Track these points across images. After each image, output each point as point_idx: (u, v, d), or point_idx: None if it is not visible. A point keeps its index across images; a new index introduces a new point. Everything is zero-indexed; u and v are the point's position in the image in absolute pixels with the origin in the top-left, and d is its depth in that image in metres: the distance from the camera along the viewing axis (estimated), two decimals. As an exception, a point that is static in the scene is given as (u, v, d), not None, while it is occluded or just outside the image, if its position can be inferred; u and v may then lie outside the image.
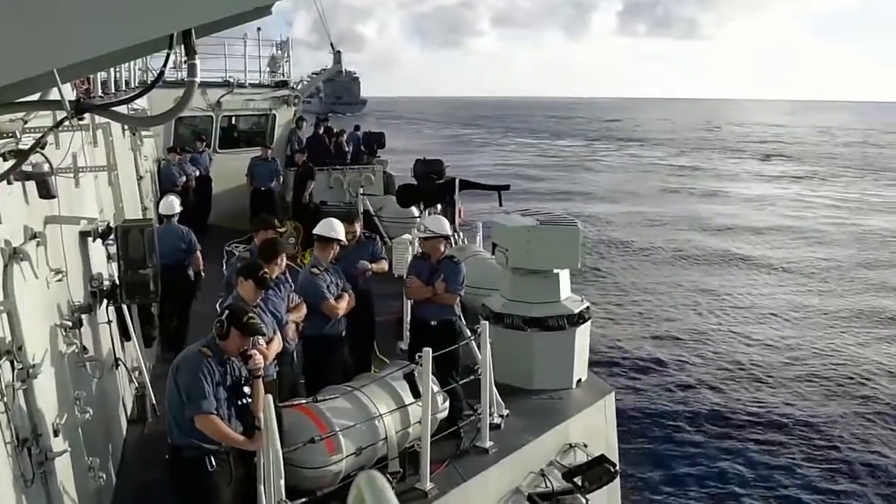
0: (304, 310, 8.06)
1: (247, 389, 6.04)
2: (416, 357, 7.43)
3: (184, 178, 18.23)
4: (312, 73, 29.52)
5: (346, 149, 22.90)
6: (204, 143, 20.49)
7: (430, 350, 7.29)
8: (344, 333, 8.60)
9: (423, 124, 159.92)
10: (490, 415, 8.41)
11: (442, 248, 8.97)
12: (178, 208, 11.84)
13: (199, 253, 11.68)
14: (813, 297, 28.85)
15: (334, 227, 8.79)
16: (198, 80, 3.96)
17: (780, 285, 30.86)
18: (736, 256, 35.84)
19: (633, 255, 35.71)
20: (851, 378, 20.51)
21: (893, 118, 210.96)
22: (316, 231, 8.84)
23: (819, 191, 60.17)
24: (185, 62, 3.83)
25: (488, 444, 8.19)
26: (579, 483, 8.21)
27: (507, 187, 16.13)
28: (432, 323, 8.75)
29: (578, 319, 9.96)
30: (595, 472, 8.36)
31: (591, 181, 64.12)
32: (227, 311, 6.03)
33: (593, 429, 9.51)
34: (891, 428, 17.88)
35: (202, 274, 11.77)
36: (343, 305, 8.43)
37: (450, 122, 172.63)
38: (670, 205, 51.18)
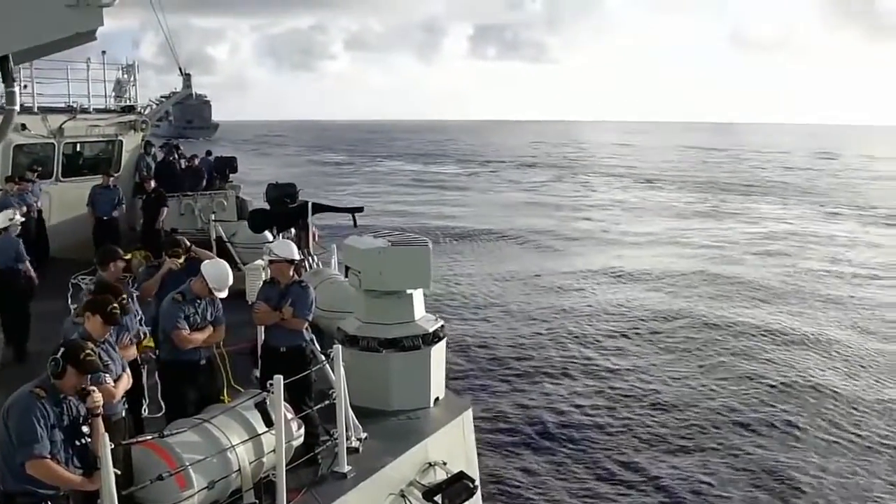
0: (131, 351, 7.83)
1: (86, 429, 5.77)
2: (268, 385, 7.32)
3: (24, 209, 17.31)
4: (161, 97, 28.53)
5: (203, 175, 22.35)
6: (35, 174, 19.21)
7: (281, 377, 7.20)
8: (204, 361, 8.36)
9: (283, 148, 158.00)
10: (347, 439, 8.35)
11: (290, 273, 8.86)
12: (17, 218, 13.06)
13: (27, 263, 12.75)
14: (666, 309, 30.00)
15: (224, 284, 8.41)
16: (16, 108, 3.85)
17: (632, 295, 31.95)
18: (588, 271, 36.92)
19: (487, 271, 36.25)
20: (702, 390, 21.35)
21: (739, 139, 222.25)
22: (207, 274, 8.35)
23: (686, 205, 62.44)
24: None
25: (346, 468, 8.11)
26: (439, 501, 8.25)
27: (360, 209, 16.09)
28: (282, 349, 8.64)
29: (433, 338, 10.05)
30: (454, 488, 8.42)
31: (451, 202, 64.52)
32: (62, 349, 5.76)
33: (452, 446, 9.59)
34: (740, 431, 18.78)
35: (34, 279, 12.93)
36: (200, 337, 8.19)
37: (311, 145, 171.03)
38: (527, 223, 52.15)
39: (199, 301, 8.30)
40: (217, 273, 8.44)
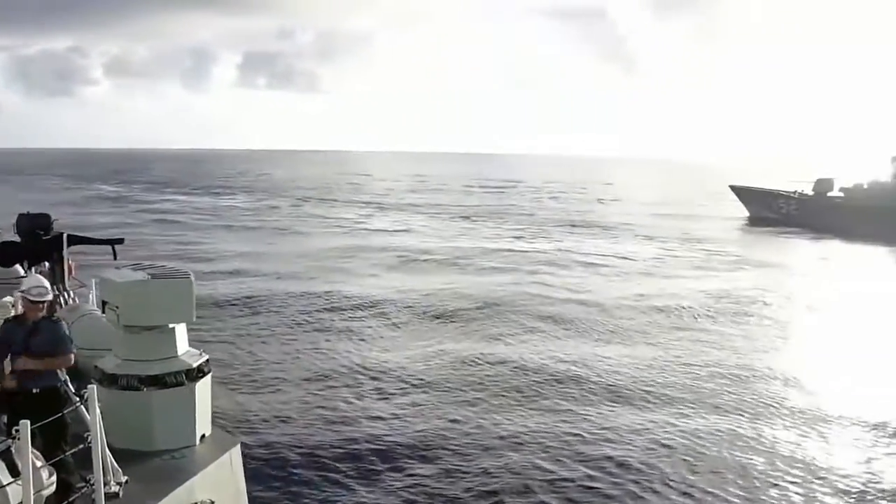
0: None
1: None
2: (14, 431, 6.83)
3: None
4: None
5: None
6: None
7: (28, 422, 6.70)
8: None
9: (43, 179, 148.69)
10: (105, 483, 7.92)
11: (41, 309, 8.36)
12: None
13: None
14: (431, 332, 30.60)
15: None
16: None
17: (396, 322, 32.39)
18: (350, 297, 37.03)
19: (254, 303, 35.58)
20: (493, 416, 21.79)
21: (523, 171, 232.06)
22: None
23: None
24: None
25: (105, 515, 7.71)
26: (207, 541, 8.04)
27: (120, 241, 15.40)
28: (34, 391, 8.08)
29: (198, 374, 9.76)
30: (223, 527, 8.23)
31: (223, 234, 62.84)
32: None
33: (220, 483, 9.35)
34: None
35: None
36: None
37: (75, 175, 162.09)
38: (301, 254, 51.61)
39: None
40: None
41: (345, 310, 34.62)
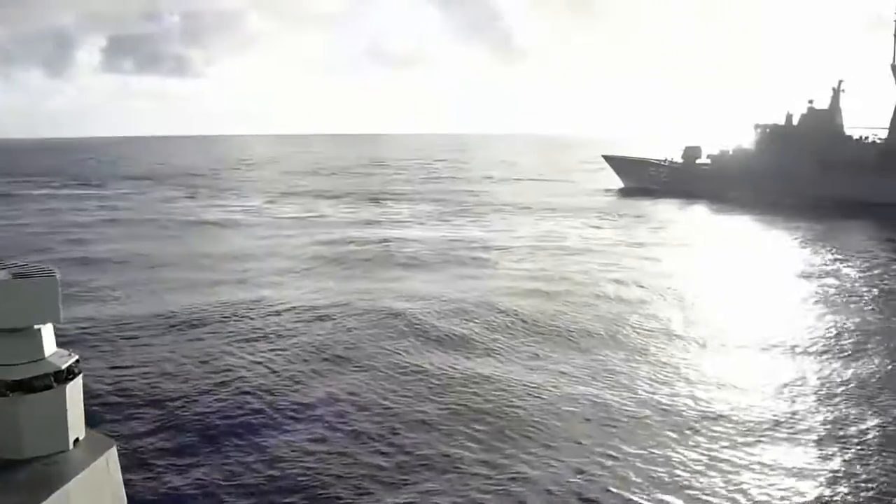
0: None
1: None
2: None
3: None
4: None
5: None
6: None
7: None
8: None
9: None
10: (-29, 497, 7.55)
11: None
12: None
13: None
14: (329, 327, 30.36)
15: None
16: None
17: (293, 314, 32.00)
18: (231, 289, 36.39)
19: (126, 298, 34.59)
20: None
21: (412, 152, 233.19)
22: None
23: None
24: None
25: (-30, 531, 7.32)
26: (83, 551, 7.71)
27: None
28: None
29: (68, 375, 9.33)
30: (100, 534, 7.93)
31: (118, 229, 60.96)
32: None
33: (97, 488, 8.98)
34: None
35: None
36: None
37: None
38: (210, 249, 50.59)
39: None
40: None
41: (264, 310, 33.89)
